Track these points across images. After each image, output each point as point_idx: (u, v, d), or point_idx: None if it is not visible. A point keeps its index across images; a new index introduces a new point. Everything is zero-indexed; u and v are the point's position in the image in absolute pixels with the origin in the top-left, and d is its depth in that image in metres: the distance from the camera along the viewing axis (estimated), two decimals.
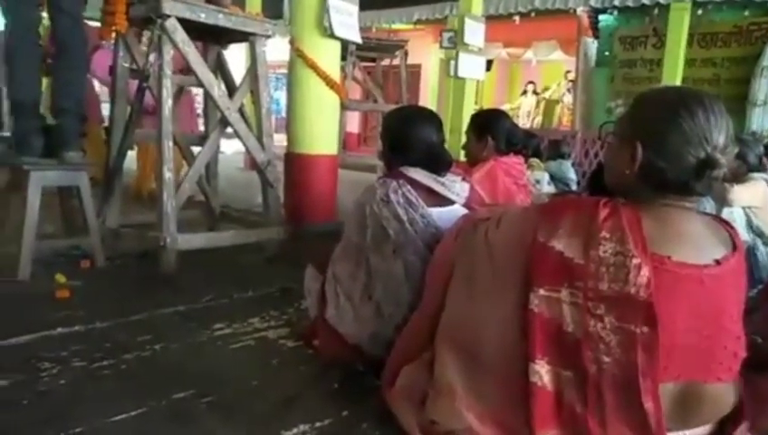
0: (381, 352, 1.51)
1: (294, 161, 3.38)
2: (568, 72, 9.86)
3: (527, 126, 9.76)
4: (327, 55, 3.32)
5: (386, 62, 6.93)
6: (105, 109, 3.81)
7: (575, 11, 7.58)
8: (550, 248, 1.08)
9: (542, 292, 1.07)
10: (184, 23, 2.50)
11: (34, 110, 2.48)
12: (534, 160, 4.24)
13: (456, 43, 5.32)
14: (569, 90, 9.79)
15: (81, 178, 2.49)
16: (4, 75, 2.68)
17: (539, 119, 10.66)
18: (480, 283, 1.20)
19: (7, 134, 2.80)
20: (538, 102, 10.86)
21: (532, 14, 7.50)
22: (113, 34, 2.77)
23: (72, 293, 2.18)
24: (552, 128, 9.59)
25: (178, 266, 2.50)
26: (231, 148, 7.84)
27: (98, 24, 2.82)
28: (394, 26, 9.57)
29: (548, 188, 4.04)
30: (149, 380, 1.56)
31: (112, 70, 2.85)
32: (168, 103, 2.51)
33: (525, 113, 10.79)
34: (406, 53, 6.75)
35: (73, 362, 1.64)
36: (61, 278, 2.28)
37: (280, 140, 3.42)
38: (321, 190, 3.38)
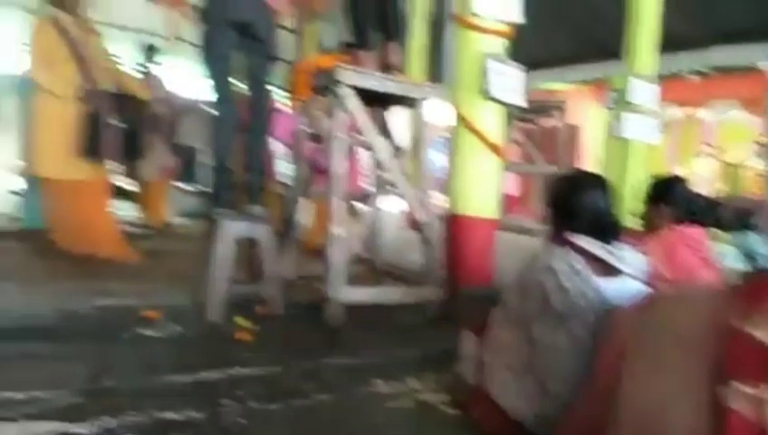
0: (547, 432, 1.44)
1: (454, 222, 3.43)
2: (760, 134, 8.91)
3: (706, 192, 8.91)
4: (488, 118, 3.37)
5: (546, 122, 6.85)
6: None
7: (759, 67, 6.90)
8: (748, 336, 0.97)
9: (743, 388, 0.95)
10: (356, 90, 2.72)
11: (229, 168, 2.84)
12: (717, 231, 3.84)
13: (619, 102, 5.10)
14: (757, 153, 8.82)
15: (263, 229, 2.76)
16: (207, 137, 3.08)
17: (720, 184, 9.69)
18: (669, 362, 1.11)
19: (203, 188, 3.25)
20: (718, 166, 9.90)
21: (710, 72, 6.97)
22: (296, 102, 3.09)
23: (251, 336, 2.39)
24: (736, 195, 8.65)
25: (343, 319, 2.62)
26: (392, 206, 8.16)
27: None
28: (553, 86, 9.46)
29: (734, 263, 3.62)
30: (313, 427, 1.64)
31: (293, 133, 3.17)
32: (339, 164, 2.71)
33: (703, 178, 9.88)
34: (564, 114, 6.61)
35: (249, 401, 1.78)
36: (242, 322, 2.51)
37: (440, 200, 3.51)
38: (480, 253, 3.37)
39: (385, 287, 3.06)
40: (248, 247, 2.93)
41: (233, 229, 2.67)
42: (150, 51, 5.23)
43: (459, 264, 3.35)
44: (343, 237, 2.71)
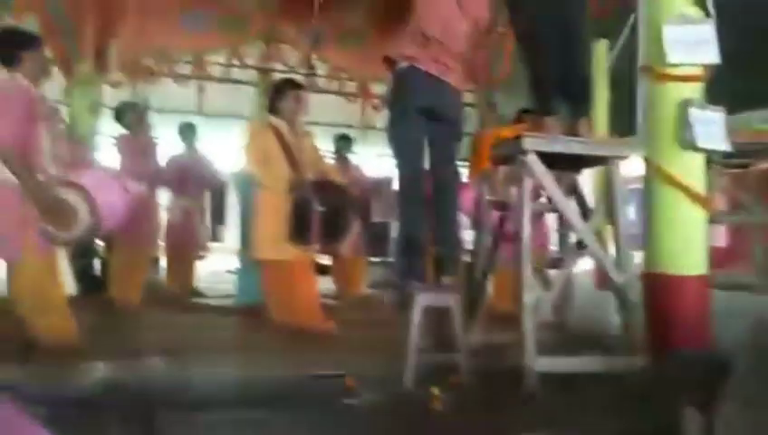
0: None
1: (655, 283, 3.14)
2: None
3: None
4: (689, 168, 3.10)
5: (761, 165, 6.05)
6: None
7: None
8: None
9: None
10: (541, 155, 2.71)
11: (420, 241, 2.97)
12: None
13: None
14: None
15: (453, 299, 2.80)
16: (397, 213, 3.27)
17: None
18: None
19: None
20: None
21: None
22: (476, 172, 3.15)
23: (444, 405, 2.40)
24: None
25: (537, 389, 2.51)
26: (583, 268, 7.75)
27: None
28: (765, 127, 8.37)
29: None
30: None
31: (477, 203, 3.22)
32: (527, 230, 2.68)
33: None
34: None
35: None
36: (435, 390, 2.53)
37: (635, 258, 3.25)
38: (690, 314, 3.02)
39: (581, 356, 2.86)
40: (438, 316, 2.99)
41: (424, 300, 2.75)
42: (345, 140, 5.83)
43: (665, 328, 3.02)
44: (534, 305, 2.64)
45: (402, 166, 3.02)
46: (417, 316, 2.71)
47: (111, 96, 6.07)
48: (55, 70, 5.50)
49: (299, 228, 3.57)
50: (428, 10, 2.85)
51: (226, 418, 2.22)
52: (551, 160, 2.80)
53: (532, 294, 2.62)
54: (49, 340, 2.94)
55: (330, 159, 5.90)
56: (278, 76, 5.82)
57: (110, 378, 2.54)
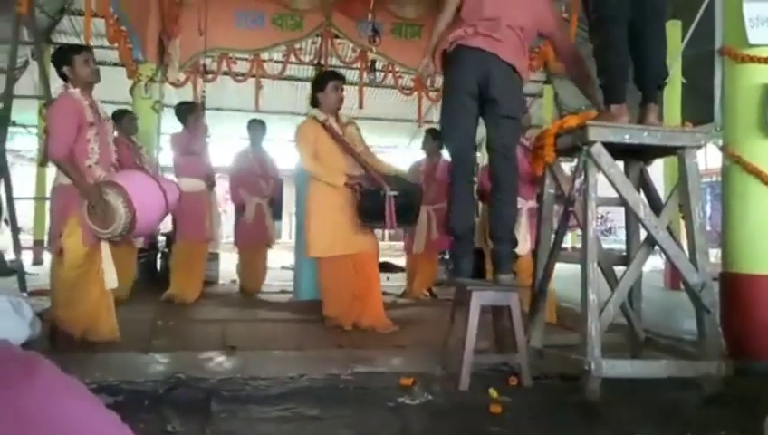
0: None
1: (735, 283, 2.91)
2: None
3: None
4: None
5: None
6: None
7: None
8: None
9: None
10: (608, 145, 2.54)
11: (468, 237, 2.85)
12: None
13: None
14: None
15: (512, 298, 2.68)
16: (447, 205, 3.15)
17: None
18: None
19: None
20: None
21: None
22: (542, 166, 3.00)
23: (502, 408, 2.29)
24: None
25: (601, 394, 2.36)
26: (647, 265, 7.39)
27: None
28: None
29: None
30: None
31: (539, 197, 3.07)
32: (592, 226, 2.52)
33: None
34: None
35: None
36: (494, 393, 2.42)
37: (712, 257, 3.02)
38: None
39: (650, 359, 2.68)
40: (498, 318, 2.87)
41: (480, 298, 2.64)
42: (431, 135, 5.63)
43: (747, 332, 2.80)
44: (600, 304, 2.48)
45: (449, 152, 2.91)
46: (473, 315, 2.61)
47: (173, 95, 6.24)
48: (122, 70, 5.72)
49: (373, 213, 3.52)
50: None
51: (282, 413, 2.21)
52: (618, 151, 2.63)
53: (596, 292, 2.46)
54: (75, 331, 3.07)
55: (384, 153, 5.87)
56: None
57: (168, 371, 2.58)
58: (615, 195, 2.67)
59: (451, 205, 2.85)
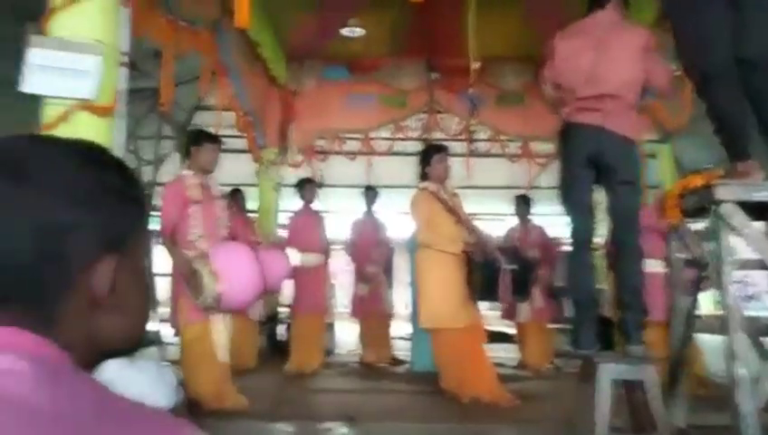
0: None
1: None
2: None
3: None
4: None
5: None
6: None
7: None
8: None
9: None
10: (742, 204, 2.37)
11: (589, 305, 2.73)
12: None
13: None
14: None
15: (646, 371, 2.49)
16: (563, 274, 3.07)
17: None
18: None
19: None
20: None
21: None
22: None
23: None
24: None
25: None
26: None
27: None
28: None
29: None
30: None
31: (668, 260, 2.90)
32: (728, 292, 2.33)
33: None
34: None
35: None
36: None
37: None
38: None
39: None
40: (630, 391, 2.67)
41: (609, 372, 2.48)
42: (524, 201, 5.67)
43: None
44: (752, 379, 2.24)
45: (570, 227, 2.87)
46: (604, 391, 2.45)
47: (291, 175, 6.68)
48: (248, 156, 6.26)
49: (486, 286, 3.51)
50: (565, 63, 2.76)
51: None
52: (754, 210, 2.44)
53: (746, 366, 2.23)
54: (208, 402, 3.20)
55: (510, 222, 5.84)
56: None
57: None
58: (755, 256, 2.47)
59: (570, 272, 2.77)
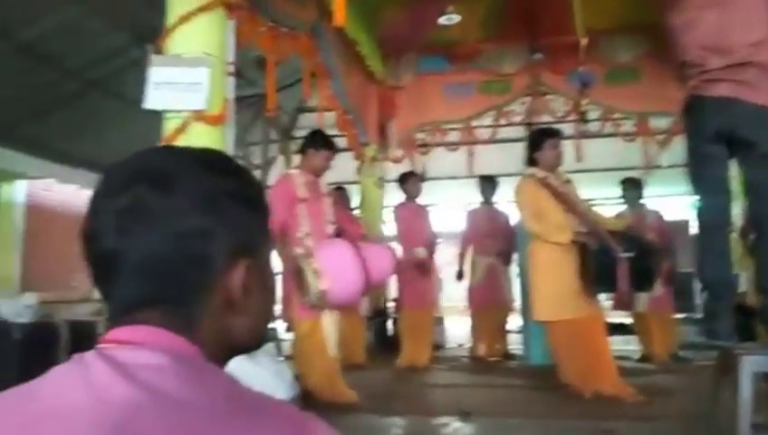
0: None
1: None
2: None
3: None
4: None
5: None
6: None
7: None
8: None
9: None
10: None
11: (725, 293, 2.49)
12: None
13: None
14: None
15: None
16: (695, 258, 2.81)
17: None
18: None
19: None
20: None
21: None
22: None
23: None
24: None
25: None
26: None
27: None
28: None
29: None
30: None
31: None
32: None
33: None
34: None
35: None
36: None
37: None
38: None
39: None
40: None
41: (753, 364, 2.24)
42: (633, 184, 5.29)
43: None
44: None
45: (699, 207, 2.63)
46: (746, 385, 2.22)
47: (392, 170, 6.72)
48: (349, 154, 6.37)
49: (601, 277, 3.31)
50: (687, 33, 2.53)
51: None
52: None
53: None
54: (322, 394, 3.27)
55: (619, 206, 5.48)
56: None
57: None
58: None
59: (702, 257, 2.54)
